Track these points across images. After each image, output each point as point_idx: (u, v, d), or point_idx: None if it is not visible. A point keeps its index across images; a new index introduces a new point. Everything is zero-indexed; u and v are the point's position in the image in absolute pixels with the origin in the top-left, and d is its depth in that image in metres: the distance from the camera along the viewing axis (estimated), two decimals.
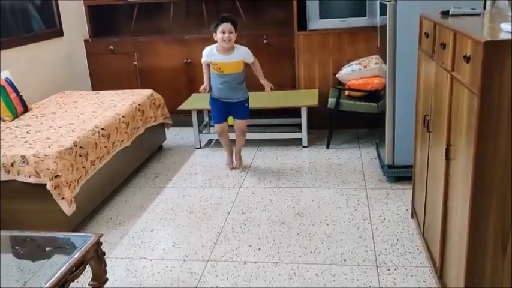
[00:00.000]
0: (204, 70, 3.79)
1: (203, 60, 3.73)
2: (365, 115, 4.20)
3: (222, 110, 3.81)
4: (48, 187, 2.88)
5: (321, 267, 2.62)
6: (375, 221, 3.05)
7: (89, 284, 2.24)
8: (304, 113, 4.32)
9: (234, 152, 4.02)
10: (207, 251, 2.81)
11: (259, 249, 2.83)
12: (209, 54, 3.68)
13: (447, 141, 2.02)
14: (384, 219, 3.08)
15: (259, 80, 3.83)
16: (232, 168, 4.00)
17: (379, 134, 3.96)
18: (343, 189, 3.53)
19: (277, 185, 3.68)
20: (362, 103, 4.13)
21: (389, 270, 2.55)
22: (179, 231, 3.07)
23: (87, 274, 2.22)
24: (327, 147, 4.37)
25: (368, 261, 2.63)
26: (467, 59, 1.68)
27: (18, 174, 2.93)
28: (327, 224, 3.06)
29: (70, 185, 2.96)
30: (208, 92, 3.79)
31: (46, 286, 1.81)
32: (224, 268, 2.65)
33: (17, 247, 2.31)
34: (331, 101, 4.21)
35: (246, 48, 3.72)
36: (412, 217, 3.00)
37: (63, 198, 2.92)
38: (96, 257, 2.15)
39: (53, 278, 1.86)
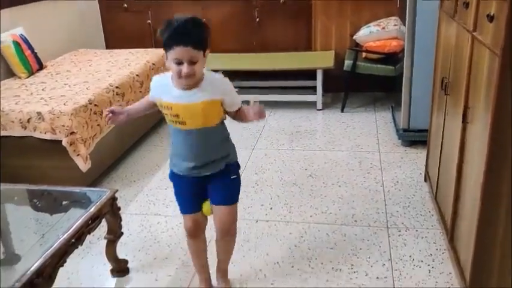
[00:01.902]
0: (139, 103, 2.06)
1: (150, 95, 1.95)
2: (382, 78, 4.14)
3: (193, 189, 2.00)
4: (63, 143, 2.92)
5: (332, 227, 2.65)
6: (388, 184, 3.05)
7: (104, 237, 2.30)
8: (319, 75, 4.27)
9: (217, 266, 2.22)
10: None
11: (271, 208, 2.86)
12: (159, 87, 1.90)
13: (465, 104, 1.98)
14: (397, 182, 3.08)
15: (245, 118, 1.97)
16: None
17: (395, 97, 3.91)
18: (356, 152, 3.53)
19: (290, 147, 3.69)
20: (379, 66, 4.07)
21: (400, 231, 2.57)
22: None
23: (102, 228, 2.28)
24: (342, 111, 4.34)
25: (379, 223, 2.65)
26: (491, 18, 1.63)
27: (35, 130, 2.97)
28: (339, 186, 3.07)
29: (85, 142, 2.99)
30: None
31: (63, 237, 1.86)
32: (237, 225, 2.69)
33: (34, 200, 2.36)
34: (348, 63, 4.14)
35: (224, 78, 1.89)
36: (425, 181, 3.00)
37: (78, 155, 2.96)
38: (111, 211, 2.20)
39: (70, 230, 1.91)
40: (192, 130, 1.86)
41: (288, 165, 3.39)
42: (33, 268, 1.67)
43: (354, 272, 2.28)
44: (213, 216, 2.02)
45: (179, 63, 1.73)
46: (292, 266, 2.35)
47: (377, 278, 2.24)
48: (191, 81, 1.78)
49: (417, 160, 3.32)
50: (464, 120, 1.98)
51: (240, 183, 2.05)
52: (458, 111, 2.08)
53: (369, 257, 2.38)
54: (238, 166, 2.06)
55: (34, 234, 2.14)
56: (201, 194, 2.01)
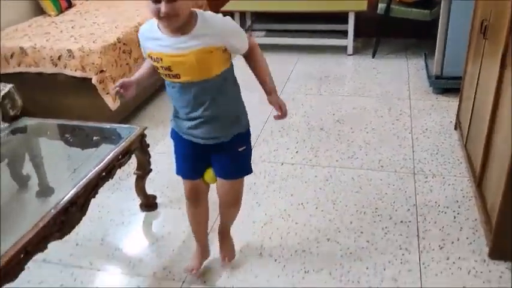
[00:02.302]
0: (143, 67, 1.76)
1: (142, 50, 1.67)
2: (415, 23, 3.99)
3: (194, 154, 1.79)
4: (93, 82, 2.95)
5: (357, 171, 2.65)
6: (417, 131, 3.01)
7: (134, 173, 2.36)
8: (351, 18, 4.15)
9: (219, 225, 2.05)
10: None
11: (296, 152, 2.87)
12: (146, 36, 1.60)
13: (504, 49, 1.91)
14: (426, 129, 3.03)
15: (262, 86, 1.73)
16: (195, 272, 2.00)
17: (428, 44, 3.78)
18: (386, 99, 3.47)
19: (319, 92, 3.65)
20: (414, 9, 3.91)
21: (426, 178, 2.55)
22: None
23: (132, 165, 2.34)
24: (373, 56, 4.23)
25: (406, 169, 2.64)
26: None
27: (65, 67, 3.00)
28: (367, 132, 3.05)
29: (114, 80, 3.01)
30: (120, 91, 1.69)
31: (95, 170, 1.91)
32: (262, 167, 2.72)
33: (66, 135, 2.42)
34: (382, 6, 4.00)
35: (225, 18, 1.57)
36: (456, 129, 2.94)
37: (107, 94, 2.99)
38: (140, 147, 2.24)
39: (101, 164, 1.97)
40: (189, 83, 1.56)
41: (316, 110, 3.36)
42: (67, 197, 1.74)
43: (378, 215, 2.30)
44: (216, 184, 1.83)
45: (156, 1, 1.41)
46: (316, 208, 2.38)
47: (401, 221, 2.25)
48: (175, 23, 1.45)
49: (448, 108, 3.25)
50: (502, 66, 1.91)
51: (250, 154, 1.80)
52: (496, 56, 2.01)
53: (394, 202, 2.39)
54: (248, 134, 1.77)
55: (66, 169, 2.21)
56: (203, 160, 1.78)
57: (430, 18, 3.80)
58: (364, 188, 2.50)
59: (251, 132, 1.80)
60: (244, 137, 1.75)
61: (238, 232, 2.23)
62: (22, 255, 1.50)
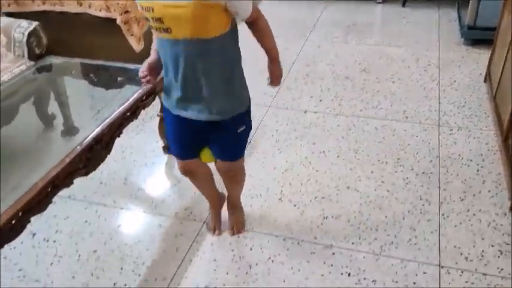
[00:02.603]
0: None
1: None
2: None
3: (189, 133, 1.64)
4: (118, 22, 2.91)
5: (381, 121, 2.62)
6: (444, 83, 2.94)
7: (157, 115, 2.38)
8: None
9: (227, 199, 2.00)
10: (268, 98, 2.85)
11: (320, 100, 2.84)
12: None
13: None
14: (454, 81, 2.95)
15: (265, 51, 1.63)
16: (219, 234, 1.97)
17: None
18: (414, 49, 3.37)
19: (345, 41, 3.56)
20: None
21: (451, 130, 2.51)
22: None
23: (155, 107, 2.34)
24: (403, 5, 4.09)
25: (430, 120, 2.60)
26: None
27: (90, 7, 2.97)
28: (393, 82, 2.98)
29: (139, 22, 2.98)
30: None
31: (120, 109, 1.93)
32: (284, 114, 2.70)
33: (91, 75, 2.43)
34: None
35: None
36: (485, 82, 2.86)
37: (132, 35, 2.97)
38: None
39: (126, 104, 1.98)
40: (180, 40, 1.36)
41: (342, 59, 3.30)
42: (92, 135, 1.76)
43: (400, 166, 2.29)
44: (216, 164, 1.74)
45: None
46: (338, 156, 2.38)
47: (422, 173, 2.24)
48: None
49: (478, 60, 3.15)
50: None
51: (249, 134, 1.66)
52: None
53: (417, 153, 2.37)
54: (249, 113, 1.61)
55: (90, 108, 2.23)
56: (200, 140, 1.65)
57: None
58: (387, 139, 2.48)
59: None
60: (244, 117, 1.58)
61: (258, 178, 2.25)
62: (50, 189, 1.55)
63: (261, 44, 1.58)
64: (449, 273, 1.75)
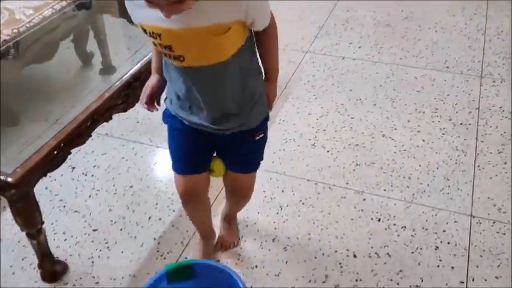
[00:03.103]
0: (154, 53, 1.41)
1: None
2: None
3: (197, 143, 1.40)
4: None
5: (421, 71, 2.55)
6: (490, 33, 2.82)
7: None
8: None
9: (222, 218, 1.77)
10: (306, 43, 2.80)
11: (359, 47, 2.77)
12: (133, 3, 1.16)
13: None
14: (501, 31, 2.82)
15: (264, 69, 1.34)
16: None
17: None
18: None
19: None
20: None
21: (494, 82, 2.43)
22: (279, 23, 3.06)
23: None
24: None
25: (473, 71, 2.51)
26: None
27: None
28: (436, 31, 2.88)
29: None
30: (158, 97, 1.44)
31: None
32: (322, 60, 2.66)
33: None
34: None
35: None
36: None
37: None
38: None
39: None
40: (195, 68, 1.18)
41: (383, 5, 3.18)
42: (131, 72, 1.78)
43: (437, 116, 2.24)
44: (227, 178, 1.50)
45: None
46: (375, 104, 2.34)
47: (461, 123, 2.19)
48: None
49: None
50: None
51: (265, 142, 1.44)
52: None
53: (456, 104, 2.31)
54: (268, 118, 1.39)
55: (128, 49, 2.25)
56: (208, 150, 1.43)
57: None
58: (426, 88, 2.42)
59: None
60: (263, 123, 1.38)
61: (292, 123, 2.25)
62: (89, 123, 1.59)
63: (264, 60, 1.32)
64: (480, 223, 1.74)
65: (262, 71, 1.34)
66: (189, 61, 1.16)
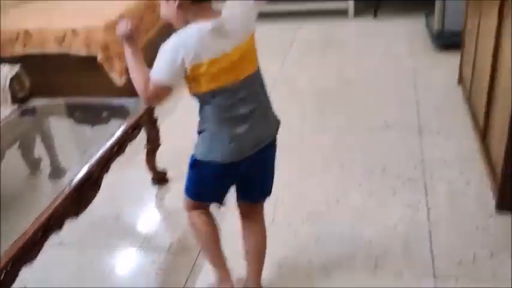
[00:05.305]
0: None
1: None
2: None
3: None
4: (99, 59, 2.97)
5: (364, 132, 2.67)
6: (420, 88, 3.02)
7: (144, 147, 2.39)
8: None
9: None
10: None
11: (304, 117, 2.89)
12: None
13: None
14: (430, 86, 3.04)
15: None
16: None
17: (429, 2, 3.74)
18: (389, 59, 3.46)
19: (323, 55, 3.64)
20: None
21: (431, 134, 2.57)
22: None
23: (142, 140, 2.34)
24: (375, 16, 4.19)
25: (411, 126, 2.66)
26: None
27: (70, 47, 3.01)
28: (372, 92, 3.06)
29: (120, 56, 3.03)
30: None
31: (107, 145, 1.94)
32: None
33: (76, 114, 2.45)
34: None
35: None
36: (459, 84, 2.94)
37: (114, 70, 3.02)
38: (150, 121, 2.27)
39: (112, 139, 1.99)
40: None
41: (321, 74, 3.37)
42: (80, 174, 1.77)
43: (386, 175, 2.32)
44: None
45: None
46: (325, 172, 2.41)
47: (408, 179, 2.28)
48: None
49: (451, 64, 3.22)
50: (501, 16, 1.91)
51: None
52: (494, 6, 1.99)
53: (401, 160, 2.41)
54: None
55: (77, 147, 2.24)
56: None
57: None
58: (371, 149, 2.53)
59: None
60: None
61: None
62: (40, 235, 1.51)
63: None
64: (444, 282, 1.76)
65: None
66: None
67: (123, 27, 1.43)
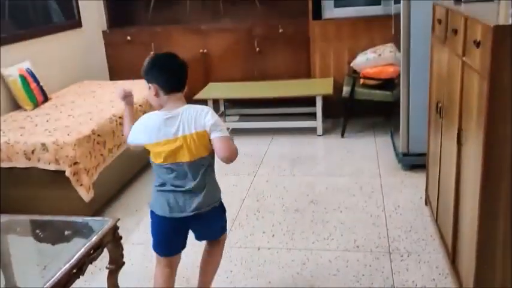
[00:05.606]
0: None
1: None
2: (380, 103, 4.19)
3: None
4: (67, 174, 2.96)
5: (334, 253, 2.65)
6: (389, 208, 3.06)
7: (106, 267, 2.31)
8: (319, 101, 4.33)
9: None
10: None
11: (273, 235, 2.87)
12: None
13: (459, 126, 2.02)
14: (398, 206, 3.08)
15: None
16: None
17: (394, 122, 3.95)
18: (357, 177, 3.55)
19: (292, 173, 3.71)
20: (377, 91, 4.12)
21: (402, 256, 2.56)
22: None
23: (105, 260, 2.28)
24: (342, 136, 4.38)
25: (381, 248, 2.65)
26: (478, 44, 1.68)
27: (39, 161, 3.01)
28: (341, 211, 3.08)
29: (88, 172, 3.03)
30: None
31: (65, 267, 1.87)
32: (238, 254, 2.69)
33: (37, 231, 2.38)
34: (346, 89, 4.20)
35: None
36: (426, 204, 3.00)
37: (81, 185, 3.00)
38: (113, 240, 2.21)
39: (72, 260, 1.92)
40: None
41: (290, 191, 3.41)
42: None
43: None
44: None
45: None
46: None
47: None
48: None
49: (418, 184, 3.33)
50: (459, 142, 2.01)
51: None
52: (452, 134, 2.12)
53: (372, 283, 2.37)
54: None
55: (36, 266, 2.15)
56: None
57: (392, 99, 4.00)
58: (341, 270, 2.49)
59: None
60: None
61: None
62: None
63: None
64: None
65: None
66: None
67: (121, 92, 2.15)
